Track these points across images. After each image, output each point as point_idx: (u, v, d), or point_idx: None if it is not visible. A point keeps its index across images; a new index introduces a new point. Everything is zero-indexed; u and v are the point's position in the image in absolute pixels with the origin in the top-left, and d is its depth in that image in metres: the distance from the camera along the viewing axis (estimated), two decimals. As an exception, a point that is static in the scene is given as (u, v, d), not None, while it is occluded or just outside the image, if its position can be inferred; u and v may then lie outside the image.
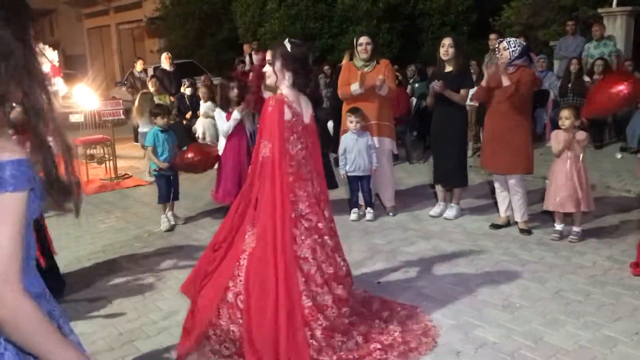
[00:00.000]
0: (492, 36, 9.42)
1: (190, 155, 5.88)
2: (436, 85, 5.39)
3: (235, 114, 5.80)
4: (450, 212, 5.77)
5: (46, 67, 8.96)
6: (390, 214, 5.95)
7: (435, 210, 5.89)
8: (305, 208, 3.22)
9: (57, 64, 8.91)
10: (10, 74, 1.29)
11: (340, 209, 6.11)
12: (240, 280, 3.07)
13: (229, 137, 5.90)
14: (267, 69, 3.28)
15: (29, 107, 1.32)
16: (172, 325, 3.73)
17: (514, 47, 5.02)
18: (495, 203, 5.60)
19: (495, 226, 5.41)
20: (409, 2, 13.62)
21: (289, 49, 3.23)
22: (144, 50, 22.23)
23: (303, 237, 3.18)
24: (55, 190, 1.36)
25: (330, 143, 8.96)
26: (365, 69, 5.67)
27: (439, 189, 5.92)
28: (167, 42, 19.12)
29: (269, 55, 3.30)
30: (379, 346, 3.24)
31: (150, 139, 5.88)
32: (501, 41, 5.22)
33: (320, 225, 3.26)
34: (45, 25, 28.18)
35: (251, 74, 3.51)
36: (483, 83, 5.18)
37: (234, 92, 5.88)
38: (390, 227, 5.60)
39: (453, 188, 5.82)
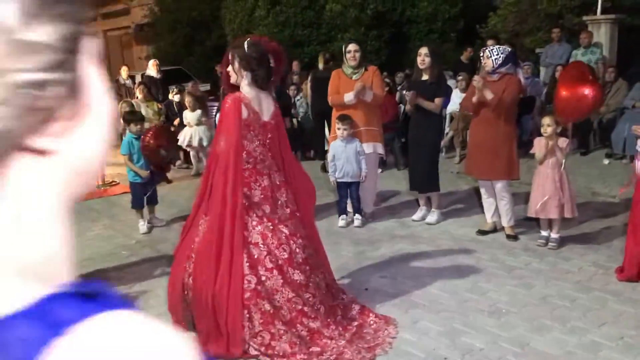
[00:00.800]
0: (490, 42, 9.48)
1: (147, 137, 5.66)
2: (407, 96, 5.59)
3: None
4: (432, 217, 5.87)
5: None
6: (369, 219, 5.99)
7: (417, 215, 6.00)
8: (260, 200, 3.43)
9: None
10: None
11: (328, 214, 6.14)
12: (192, 263, 3.37)
13: None
14: (230, 68, 3.47)
15: None
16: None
17: (497, 54, 5.07)
18: (482, 209, 5.64)
19: (482, 232, 5.45)
20: (397, 9, 13.71)
21: (246, 49, 3.43)
22: (132, 57, 22.17)
23: (254, 223, 3.39)
24: None
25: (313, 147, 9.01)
26: (354, 77, 5.74)
27: (420, 195, 6.03)
28: (155, 49, 19.08)
29: (230, 56, 3.49)
30: (318, 349, 3.31)
31: (124, 147, 5.81)
32: (484, 49, 5.28)
33: (273, 215, 3.45)
34: (33, 31, 28.02)
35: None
36: (474, 99, 5.11)
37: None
38: (378, 234, 5.61)
39: (427, 193, 5.92)
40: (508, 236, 5.27)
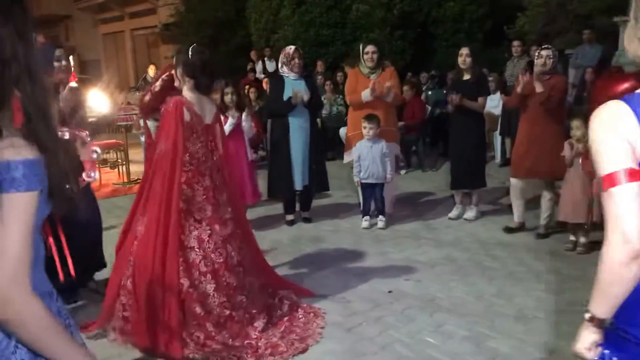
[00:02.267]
0: (515, 43, 9.39)
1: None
2: (453, 99, 5.62)
3: (231, 120, 5.59)
4: (471, 213, 5.97)
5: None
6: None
7: (453, 212, 6.05)
8: (201, 200, 3.50)
9: (72, 69, 8.99)
10: (14, 76, 1.25)
11: (350, 215, 6.11)
12: (131, 265, 3.41)
13: (227, 143, 5.79)
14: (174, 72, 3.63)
15: (30, 110, 1.26)
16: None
17: (554, 56, 5.22)
18: (509, 210, 5.66)
19: (509, 229, 5.48)
20: (423, 9, 13.59)
21: (189, 56, 3.56)
22: (158, 56, 22.34)
23: (192, 228, 3.46)
24: (57, 194, 1.33)
25: (335, 148, 8.99)
26: (372, 77, 5.82)
27: (457, 192, 6.06)
28: (181, 48, 19.18)
29: (174, 60, 3.65)
30: (252, 343, 3.43)
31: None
32: (544, 48, 5.30)
33: (213, 216, 3.51)
34: (61, 31, 28.47)
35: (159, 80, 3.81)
36: (518, 90, 5.25)
37: (229, 98, 5.73)
38: (402, 236, 5.56)
39: (472, 190, 5.98)
40: (539, 235, 5.31)
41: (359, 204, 6.11)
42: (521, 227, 5.50)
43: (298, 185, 5.82)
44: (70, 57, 9.13)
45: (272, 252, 5.03)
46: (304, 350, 3.39)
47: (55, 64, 3.70)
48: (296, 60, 5.75)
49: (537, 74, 5.18)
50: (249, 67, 13.99)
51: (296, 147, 5.75)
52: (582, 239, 4.90)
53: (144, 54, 24.14)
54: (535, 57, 5.31)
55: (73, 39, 27.67)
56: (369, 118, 5.66)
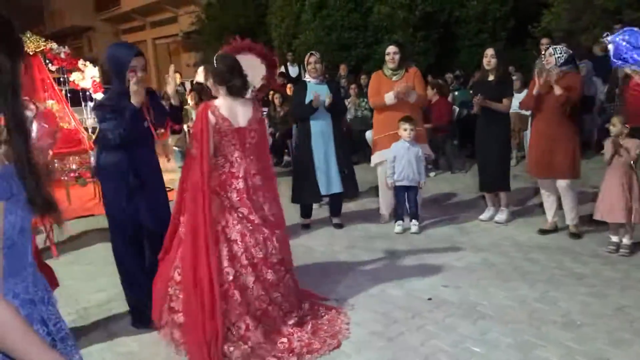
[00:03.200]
0: (544, 40, 9.21)
1: None
2: (477, 100, 5.58)
3: None
4: (501, 216, 5.87)
5: (87, 83, 9.12)
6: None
7: (485, 214, 5.99)
8: (236, 202, 3.58)
9: (97, 80, 9.05)
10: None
11: (376, 218, 6.04)
12: (177, 259, 3.52)
13: None
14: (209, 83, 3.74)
15: (12, 125, 1.36)
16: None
17: (560, 53, 5.12)
18: (542, 210, 5.58)
19: (543, 231, 5.41)
20: (445, 10, 13.45)
21: (215, 64, 3.67)
22: (179, 64, 22.50)
23: (235, 222, 3.54)
24: (37, 204, 1.39)
25: (360, 151, 8.92)
26: (394, 78, 5.80)
27: (487, 194, 6.00)
28: (203, 55, 19.29)
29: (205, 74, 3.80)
30: (285, 341, 3.49)
31: (178, 157, 5.88)
32: (547, 47, 5.30)
33: (251, 216, 3.58)
34: (84, 42, 28.84)
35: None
36: (534, 91, 5.19)
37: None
38: (436, 240, 5.46)
39: (499, 192, 5.90)
40: (572, 234, 5.23)
41: (382, 208, 6.15)
42: (555, 229, 5.43)
43: (323, 189, 5.74)
44: (96, 68, 9.23)
45: (304, 258, 4.96)
46: (337, 346, 3.47)
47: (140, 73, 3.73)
48: (313, 64, 5.74)
49: (546, 74, 5.11)
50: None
51: (318, 152, 5.71)
52: (626, 241, 4.76)
53: (166, 63, 24.32)
54: (542, 58, 5.28)
55: (96, 50, 27.99)
56: (407, 119, 5.60)
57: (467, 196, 7.05)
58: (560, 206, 5.40)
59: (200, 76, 12.62)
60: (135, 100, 3.60)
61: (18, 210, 1.33)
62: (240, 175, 3.62)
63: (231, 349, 3.37)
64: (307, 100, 5.69)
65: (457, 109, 9.49)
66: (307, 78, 5.86)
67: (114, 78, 3.80)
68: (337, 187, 5.77)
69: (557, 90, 4.99)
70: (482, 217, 5.99)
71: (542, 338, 3.44)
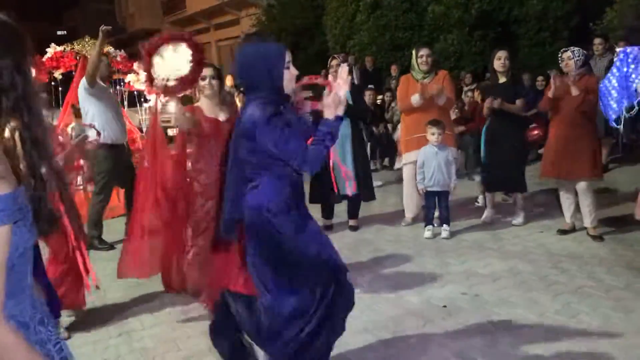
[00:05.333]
0: (597, 41, 8.84)
1: None
2: (494, 103, 5.57)
3: None
4: (518, 219, 5.84)
5: (142, 85, 9.47)
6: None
7: (486, 215, 6.01)
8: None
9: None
10: (11, 106, 1.32)
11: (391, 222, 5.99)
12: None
13: None
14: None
15: (26, 138, 1.33)
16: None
17: (578, 56, 5.13)
18: (560, 212, 5.61)
19: (563, 232, 5.42)
20: (503, 8, 13.07)
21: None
22: (241, 66, 22.95)
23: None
24: (42, 219, 1.37)
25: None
26: (425, 80, 5.77)
27: (489, 195, 6.03)
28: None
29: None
30: None
31: None
32: (564, 51, 5.26)
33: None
34: (153, 44, 29.87)
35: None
36: (550, 94, 5.22)
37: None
38: (465, 246, 5.34)
39: (514, 193, 5.94)
40: (593, 237, 5.18)
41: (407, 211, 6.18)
42: (573, 229, 5.45)
43: (342, 189, 5.63)
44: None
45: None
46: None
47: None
48: (334, 68, 5.75)
49: (567, 78, 5.15)
50: (322, 73, 14.07)
51: (335, 152, 5.66)
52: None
53: (228, 64, 24.86)
54: (560, 61, 5.26)
55: (163, 52, 28.83)
56: (434, 123, 5.51)
57: (501, 201, 6.83)
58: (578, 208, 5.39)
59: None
60: (330, 113, 2.67)
61: (23, 232, 1.31)
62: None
63: None
64: None
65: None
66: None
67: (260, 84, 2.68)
68: (351, 189, 5.70)
69: (575, 91, 5.04)
70: (483, 217, 6.00)
71: (555, 352, 3.31)
